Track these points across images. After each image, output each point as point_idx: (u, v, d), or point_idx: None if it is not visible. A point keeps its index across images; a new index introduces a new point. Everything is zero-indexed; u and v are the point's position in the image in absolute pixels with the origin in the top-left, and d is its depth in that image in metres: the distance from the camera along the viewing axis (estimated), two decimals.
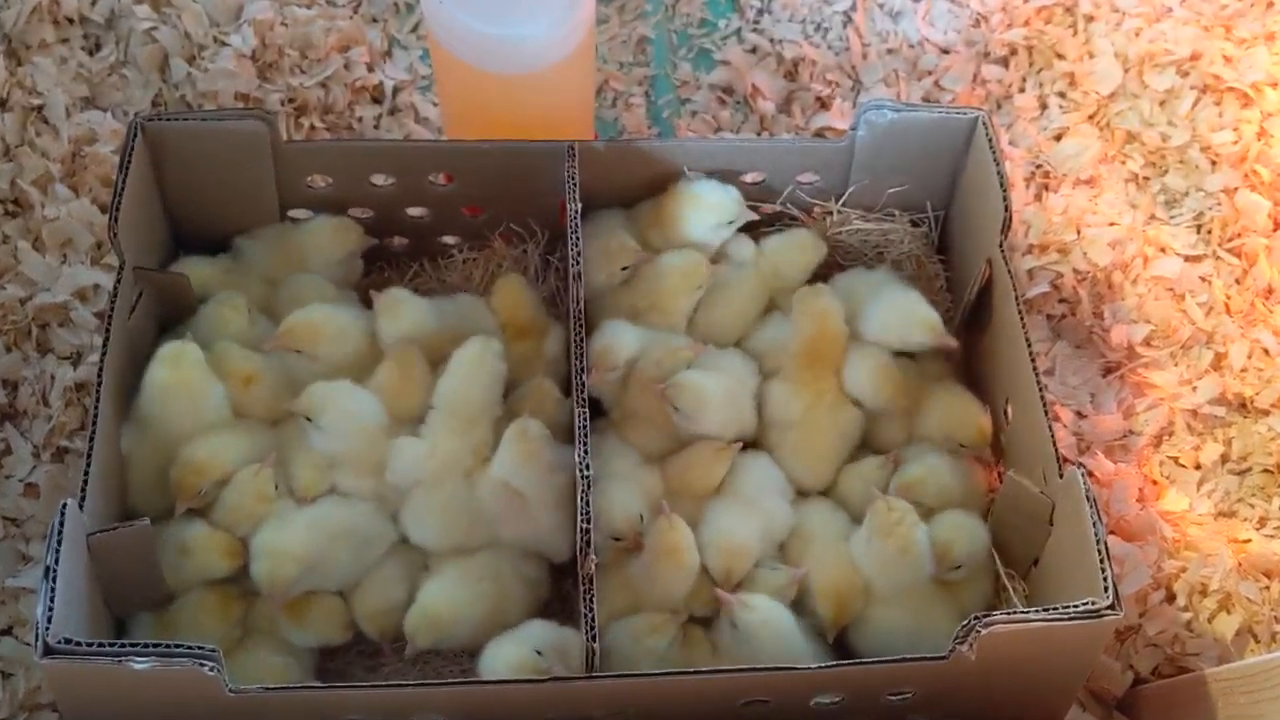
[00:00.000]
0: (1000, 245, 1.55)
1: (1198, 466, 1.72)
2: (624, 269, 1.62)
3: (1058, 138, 2.00)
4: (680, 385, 1.52)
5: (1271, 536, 1.65)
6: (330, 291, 1.64)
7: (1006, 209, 1.53)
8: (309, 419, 1.47)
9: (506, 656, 1.35)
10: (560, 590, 1.52)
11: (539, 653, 1.33)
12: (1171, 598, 1.60)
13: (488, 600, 1.43)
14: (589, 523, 1.31)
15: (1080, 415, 1.77)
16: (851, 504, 1.53)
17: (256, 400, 1.53)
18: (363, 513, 1.49)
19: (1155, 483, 1.70)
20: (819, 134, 1.99)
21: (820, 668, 1.27)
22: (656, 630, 1.41)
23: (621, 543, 1.45)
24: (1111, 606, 1.24)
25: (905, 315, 1.60)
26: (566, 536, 1.45)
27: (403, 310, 1.56)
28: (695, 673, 1.30)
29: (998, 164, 1.56)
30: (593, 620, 1.28)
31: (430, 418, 1.50)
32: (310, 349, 1.53)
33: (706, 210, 1.65)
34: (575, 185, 1.56)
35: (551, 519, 1.46)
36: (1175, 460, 1.73)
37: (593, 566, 1.30)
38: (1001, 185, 1.54)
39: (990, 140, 1.58)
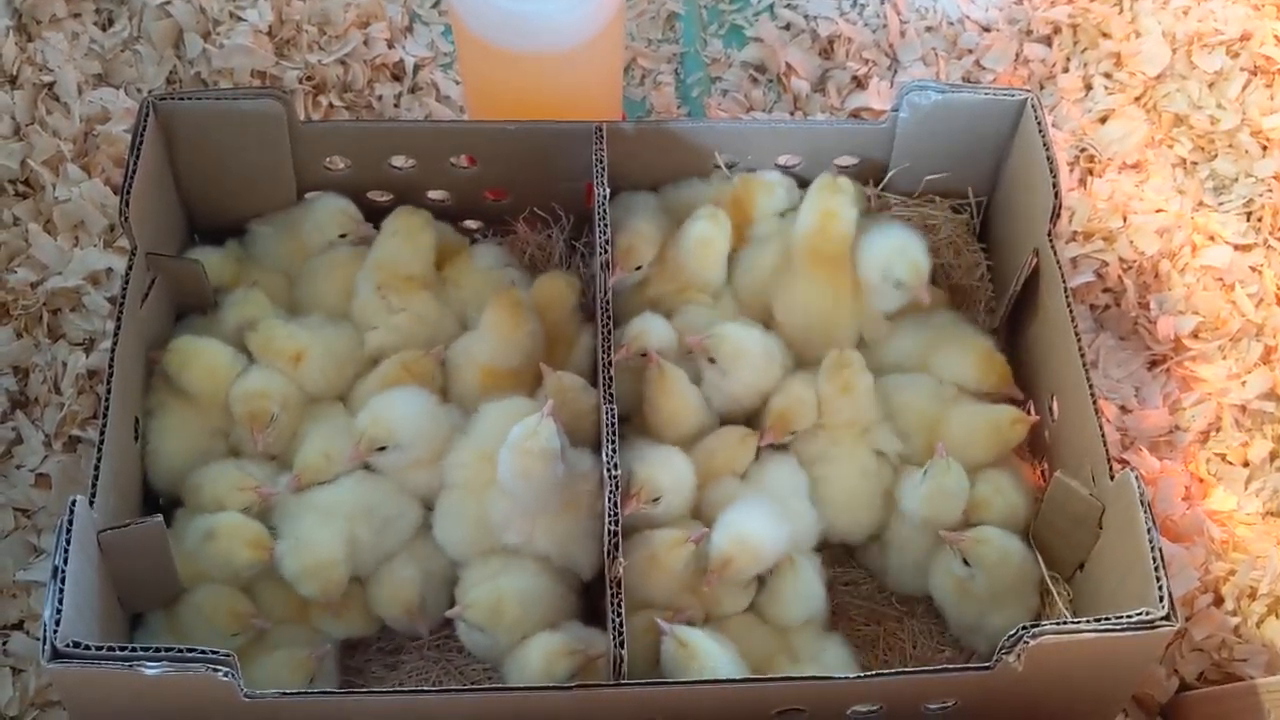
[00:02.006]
0: (1048, 234, 1.48)
1: (1246, 464, 1.66)
2: (638, 268, 1.56)
3: (1103, 120, 1.93)
4: (720, 335, 1.49)
5: None
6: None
7: (1056, 196, 1.47)
8: (384, 448, 1.43)
9: (541, 645, 1.32)
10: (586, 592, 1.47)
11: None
12: (1219, 601, 1.54)
13: (538, 609, 1.38)
14: (617, 525, 1.26)
15: (1124, 410, 1.71)
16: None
17: (305, 377, 1.51)
18: (383, 491, 1.45)
19: (1202, 480, 1.64)
20: (855, 115, 1.93)
21: (858, 677, 1.22)
22: (651, 630, 1.35)
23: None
24: (1167, 617, 1.19)
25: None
26: (588, 558, 1.41)
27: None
28: (728, 682, 1.25)
29: (1047, 148, 1.50)
30: (621, 625, 1.23)
31: (463, 443, 1.45)
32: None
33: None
34: (603, 168, 1.50)
35: (569, 545, 1.41)
36: (1223, 457, 1.67)
37: (620, 570, 1.25)
38: (1051, 171, 1.48)
39: (1039, 123, 1.52)
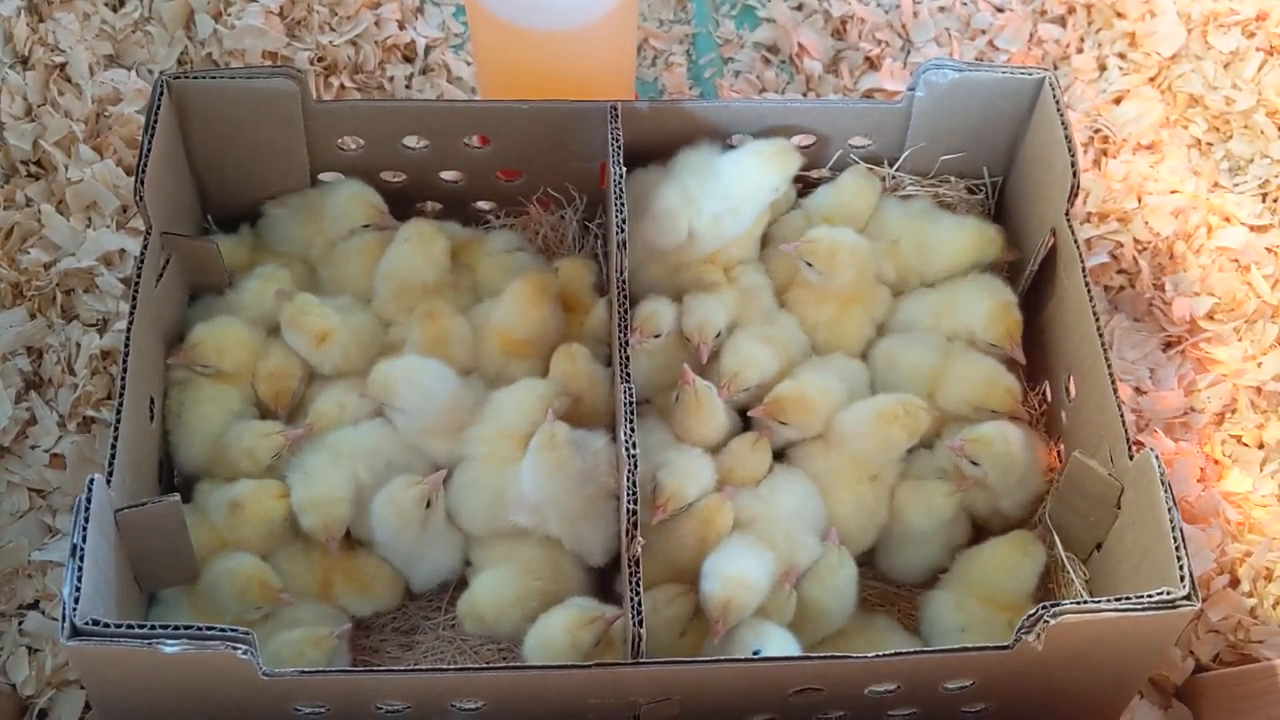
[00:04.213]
0: (1066, 213, 1.48)
1: (1261, 446, 1.66)
2: (656, 336, 1.52)
3: (1117, 101, 1.92)
4: (814, 240, 1.52)
5: None
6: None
7: (1074, 175, 1.46)
8: (386, 402, 1.44)
9: (561, 620, 1.32)
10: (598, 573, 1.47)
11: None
12: (1235, 583, 1.54)
13: (538, 597, 1.39)
14: (635, 504, 1.25)
15: (1139, 391, 1.70)
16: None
17: (325, 357, 1.52)
18: (393, 441, 1.46)
19: (1217, 462, 1.64)
20: (867, 95, 1.92)
21: (876, 656, 1.21)
22: (674, 601, 1.36)
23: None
24: (1188, 597, 1.18)
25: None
26: (600, 542, 1.41)
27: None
28: (745, 661, 1.25)
29: (1065, 127, 1.49)
30: (639, 604, 1.22)
31: (482, 420, 1.46)
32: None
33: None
34: (619, 147, 1.49)
35: (582, 527, 1.41)
36: (1238, 439, 1.66)
37: (639, 549, 1.25)
38: (1070, 150, 1.47)
39: (1057, 102, 1.51)
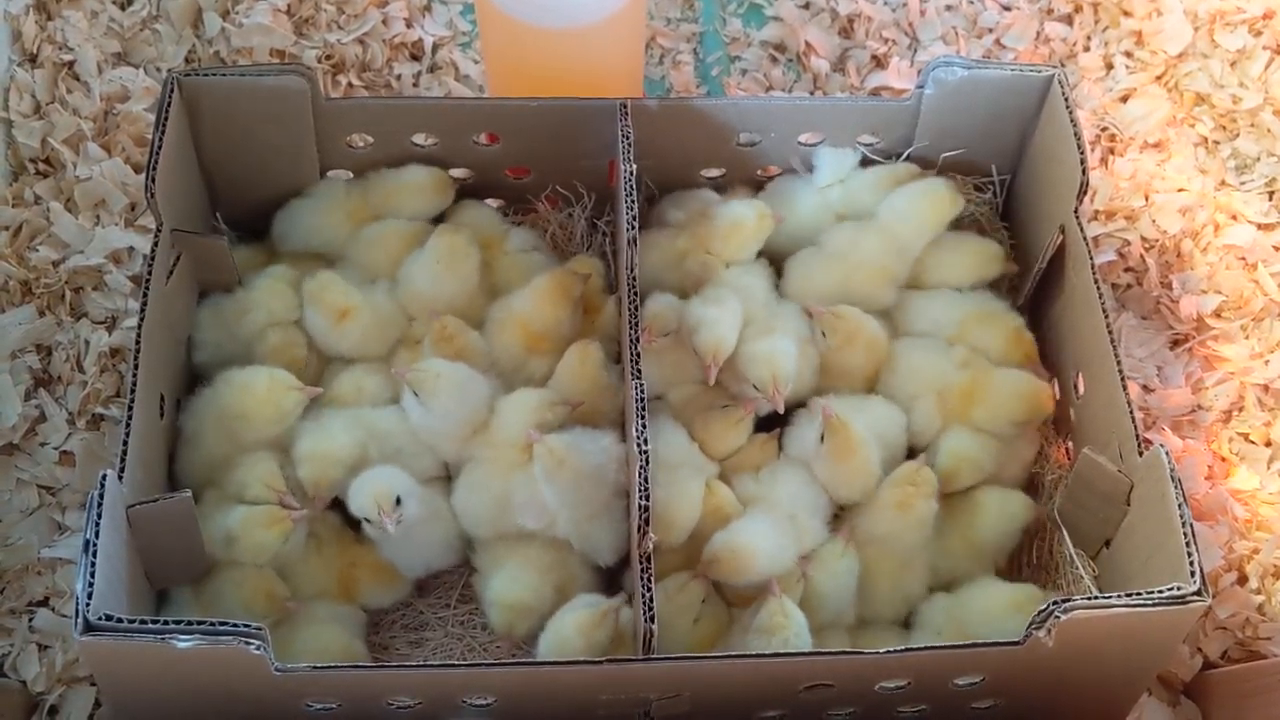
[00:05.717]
0: (1075, 211, 1.48)
1: (1268, 443, 1.66)
2: (665, 335, 1.51)
3: (1124, 99, 1.92)
4: (839, 316, 1.52)
5: None
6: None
7: (1083, 173, 1.46)
8: (415, 393, 1.44)
9: (574, 622, 1.32)
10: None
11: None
12: (1243, 580, 1.54)
13: (554, 590, 1.39)
14: (647, 500, 1.26)
15: (1147, 389, 1.70)
16: None
17: (344, 336, 1.52)
18: (406, 431, 1.46)
19: (1224, 460, 1.64)
20: (874, 93, 1.92)
21: (887, 652, 1.22)
22: (685, 588, 1.36)
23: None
24: (1198, 592, 1.18)
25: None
26: (609, 542, 1.41)
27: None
28: (756, 656, 1.25)
29: (1074, 125, 1.49)
30: (650, 600, 1.23)
31: (484, 433, 1.46)
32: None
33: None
34: (629, 145, 1.49)
35: (591, 528, 1.41)
36: (1245, 437, 1.66)
37: (650, 545, 1.25)
38: (1079, 147, 1.47)
39: (1066, 100, 1.51)
